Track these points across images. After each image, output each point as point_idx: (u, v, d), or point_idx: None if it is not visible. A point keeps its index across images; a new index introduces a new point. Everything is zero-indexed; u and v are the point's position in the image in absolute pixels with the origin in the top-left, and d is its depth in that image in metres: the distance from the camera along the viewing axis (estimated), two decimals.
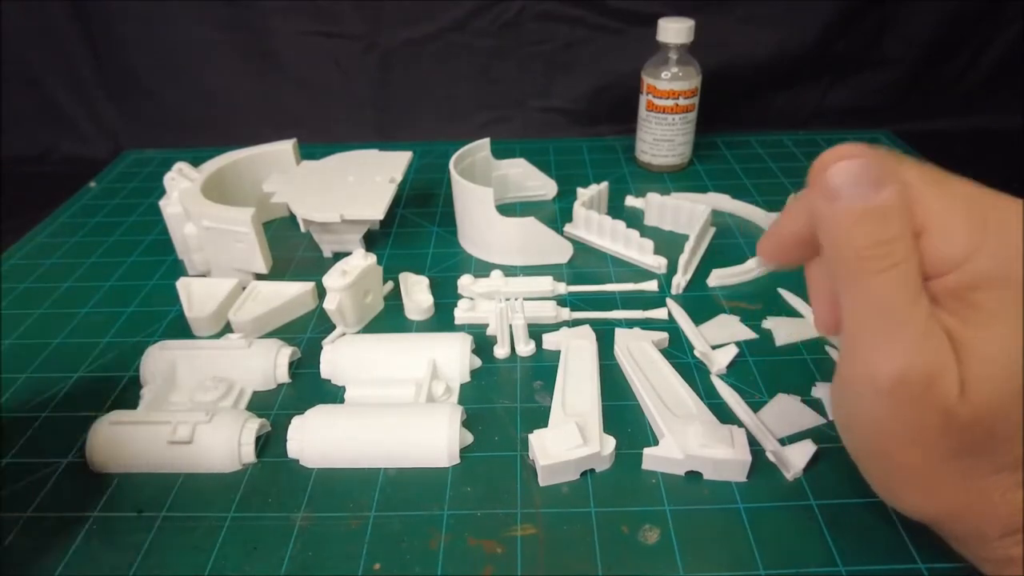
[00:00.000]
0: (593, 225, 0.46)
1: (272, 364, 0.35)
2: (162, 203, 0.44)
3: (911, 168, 0.21)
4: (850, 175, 0.19)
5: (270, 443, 0.32)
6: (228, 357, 0.35)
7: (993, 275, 0.19)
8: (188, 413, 0.31)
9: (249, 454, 0.30)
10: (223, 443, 0.30)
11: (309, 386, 0.35)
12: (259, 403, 0.34)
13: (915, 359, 0.19)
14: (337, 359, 0.35)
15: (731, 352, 0.35)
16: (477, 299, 0.40)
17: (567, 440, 0.29)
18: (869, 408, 0.20)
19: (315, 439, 0.30)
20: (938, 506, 0.21)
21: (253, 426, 0.31)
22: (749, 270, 0.42)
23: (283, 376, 0.35)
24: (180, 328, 0.39)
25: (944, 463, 0.20)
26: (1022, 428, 0.19)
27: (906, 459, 0.20)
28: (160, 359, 0.35)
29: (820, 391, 0.33)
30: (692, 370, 0.35)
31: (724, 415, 0.32)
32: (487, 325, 0.39)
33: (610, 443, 0.30)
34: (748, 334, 0.37)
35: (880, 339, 0.19)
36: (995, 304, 0.19)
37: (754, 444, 0.30)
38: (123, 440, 0.30)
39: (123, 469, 0.30)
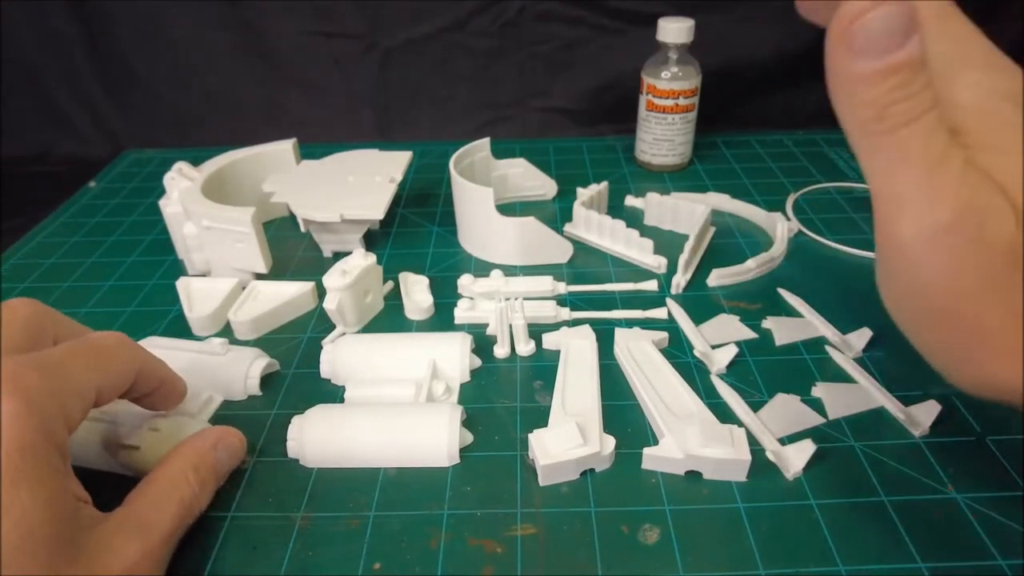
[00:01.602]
0: (593, 225, 0.46)
1: (243, 375, 0.34)
2: (162, 203, 0.44)
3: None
4: (881, 27, 0.17)
5: (270, 443, 0.32)
6: (205, 362, 0.35)
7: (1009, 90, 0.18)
8: (146, 419, 0.30)
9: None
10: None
11: (309, 386, 0.35)
12: (257, 403, 0.34)
13: (961, 198, 0.17)
14: (337, 359, 0.35)
15: (731, 352, 0.35)
16: (477, 299, 0.40)
17: (567, 440, 0.29)
18: (928, 268, 0.18)
19: (315, 439, 0.30)
20: None
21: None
22: (749, 270, 0.42)
23: (253, 388, 0.34)
24: (180, 328, 0.39)
25: None
26: None
27: (984, 316, 0.18)
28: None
29: (820, 391, 0.33)
30: (692, 370, 0.35)
31: (724, 415, 0.32)
32: (487, 325, 0.39)
33: (610, 443, 0.30)
34: (748, 334, 0.37)
35: (923, 190, 0.18)
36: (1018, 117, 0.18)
37: (754, 444, 0.30)
38: (80, 436, 0.30)
39: (82, 464, 0.30)
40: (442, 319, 0.40)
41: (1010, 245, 0.17)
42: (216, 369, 0.34)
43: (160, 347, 0.35)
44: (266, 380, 0.35)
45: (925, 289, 0.19)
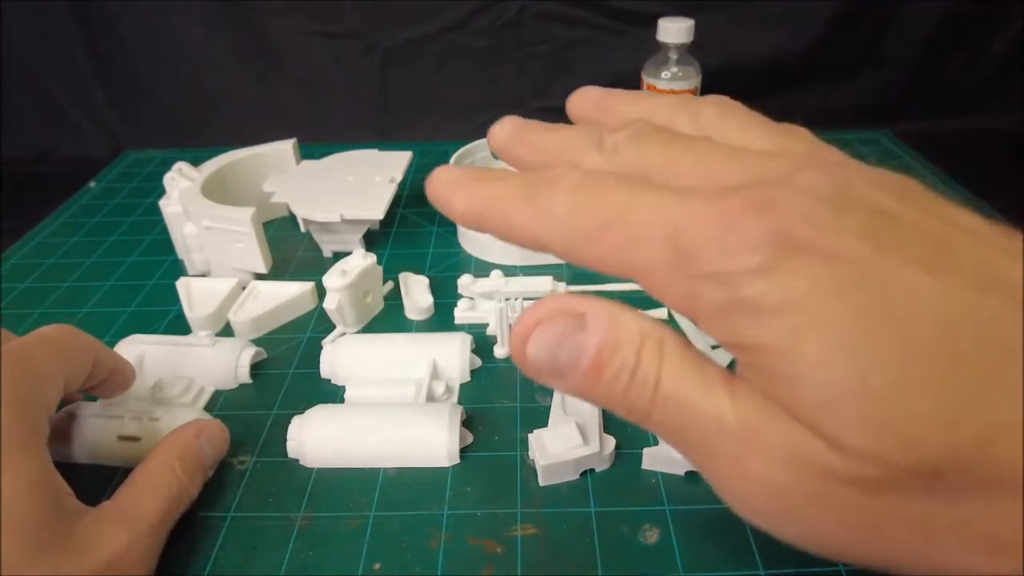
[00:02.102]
0: None
1: (234, 363, 0.35)
2: (162, 203, 0.44)
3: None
4: (544, 345, 0.16)
5: (270, 443, 0.32)
6: (192, 354, 0.35)
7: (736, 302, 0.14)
8: (142, 409, 0.31)
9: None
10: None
11: (308, 386, 0.35)
12: (257, 403, 0.34)
13: (756, 458, 0.14)
14: (337, 359, 0.35)
15: None
16: (477, 299, 0.40)
17: (567, 440, 0.29)
18: (790, 528, 0.16)
19: (315, 439, 0.30)
20: (969, 568, 0.14)
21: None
22: None
23: (244, 376, 0.35)
24: (180, 328, 0.39)
25: (929, 525, 0.14)
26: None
27: (885, 550, 0.15)
28: (129, 353, 0.35)
29: None
30: None
31: None
32: (487, 325, 0.39)
33: (610, 443, 0.30)
34: None
35: (717, 463, 0.15)
36: (765, 319, 0.14)
37: None
38: (77, 432, 0.30)
39: (75, 460, 0.30)
40: (442, 319, 0.40)
41: (835, 473, 0.14)
42: (205, 360, 0.35)
43: (146, 343, 0.35)
44: (263, 376, 0.35)
45: (806, 541, 0.16)
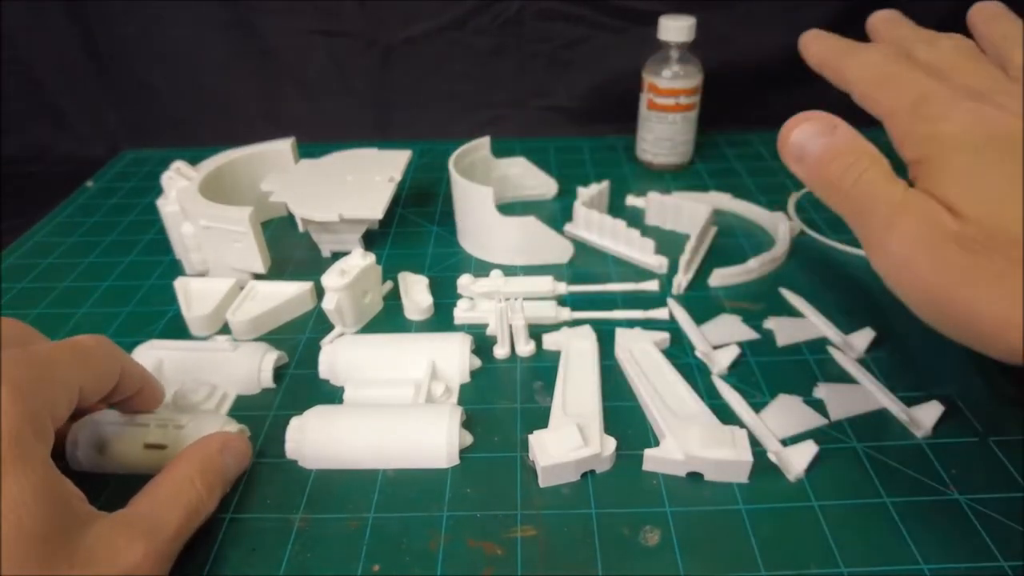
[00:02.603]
0: (593, 225, 0.46)
1: (256, 368, 0.34)
2: (160, 202, 0.44)
3: (871, 67, 0.27)
4: (806, 133, 0.25)
5: (269, 444, 0.32)
6: (214, 359, 0.35)
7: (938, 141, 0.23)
8: (167, 417, 0.31)
9: None
10: None
11: (307, 387, 0.35)
12: (257, 404, 0.34)
13: (905, 219, 0.22)
14: (336, 359, 0.35)
15: (732, 352, 0.35)
16: (477, 299, 0.40)
17: (567, 441, 0.29)
18: (904, 276, 0.23)
19: (314, 440, 0.30)
20: None
21: (232, 430, 0.30)
22: (751, 270, 0.42)
23: (267, 381, 0.34)
24: (178, 328, 0.39)
25: (1004, 279, 0.20)
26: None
27: (969, 299, 0.21)
28: (147, 358, 0.34)
29: (822, 392, 0.33)
30: (693, 370, 0.35)
31: (725, 416, 0.32)
32: (487, 325, 0.39)
33: (611, 444, 0.30)
34: (750, 334, 0.37)
35: (882, 224, 0.23)
36: (950, 148, 0.22)
37: (755, 445, 0.30)
38: (103, 441, 0.30)
39: (102, 469, 0.30)
40: (442, 319, 0.40)
41: (958, 236, 0.21)
42: (227, 365, 0.34)
43: (166, 348, 0.35)
44: (277, 374, 0.35)
45: (925, 299, 0.23)
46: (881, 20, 0.32)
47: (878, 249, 0.23)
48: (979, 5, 0.30)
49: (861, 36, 0.65)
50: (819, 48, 0.31)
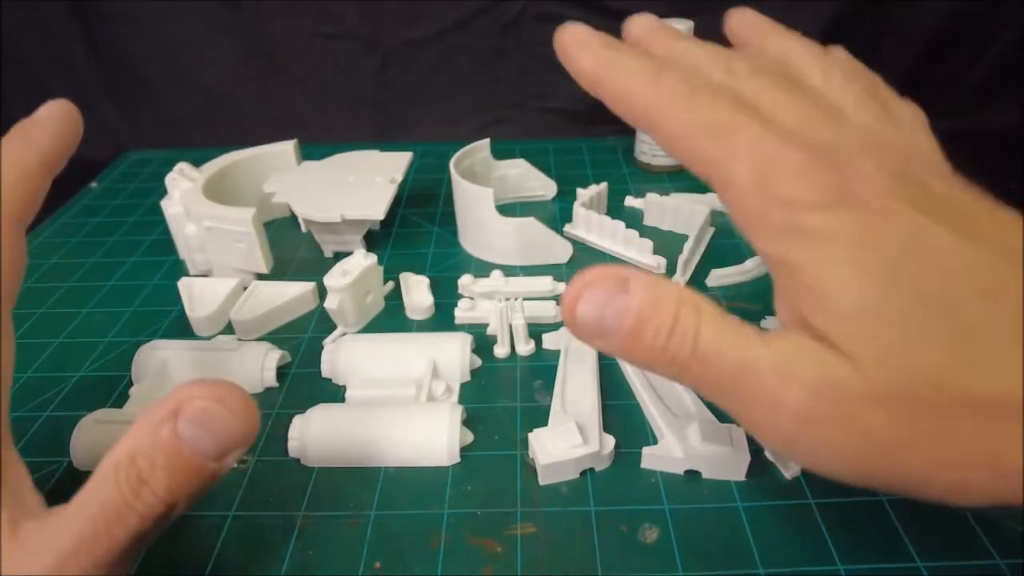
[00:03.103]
0: (593, 225, 0.46)
1: (259, 367, 0.35)
2: (163, 203, 0.44)
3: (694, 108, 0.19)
4: (594, 305, 0.19)
5: (271, 442, 0.32)
6: (217, 359, 0.35)
7: (793, 226, 0.17)
8: None
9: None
10: None
11: (309, 386, 0.35)
12: (259, 403, 0.34)
13: (790, 389, 0.17)
14: (338, 359, 0.35)
15: None
16: (477, 299, 0.40)
17: (567, 439, 0.29)
18: (816, 456, 0.18)
19: (316, 438, 0.30)
20: (988, 487, 0.16)
21: None
22: (748, 270, 0.42)
23: (270, 380, 0.35)
24: (181, 328, 0.39)
25: (940, 441, 0.16)
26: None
27: (905, 466, 0.17)
28: (151, 358, 0.35)
29: None
30: None
31: (723, 414, 0.32)
32: (487, 325, 0.39)
33: (610, 442, 0.30)
34: None
35: (756, 402, 0.17)
36: (817, 240, 0.17)
37: (753, 443, 0.30)
38: (106, 439, 0.30)
39: None
40: (442, 319, 0.40)
41: (864, 394, 0.16)
42: (230, 365, 0.35)
43: (170, 348, 0.35)
44: (279, 373, 0.35)
45: (844, 465, 0.17)
46: (641, 28, 0.25)
47: (770, 433, 0.18)
48: (737, 13, 0.24)
49: (860, 37, 0.65)
50: (593, 62, 0.23)
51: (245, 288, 0.41)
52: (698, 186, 0.54)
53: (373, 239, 0.48)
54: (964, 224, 0.16)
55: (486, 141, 0.50)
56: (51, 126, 0.24)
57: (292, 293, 0.40)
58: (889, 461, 0.17)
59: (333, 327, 0.39)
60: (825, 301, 0.17)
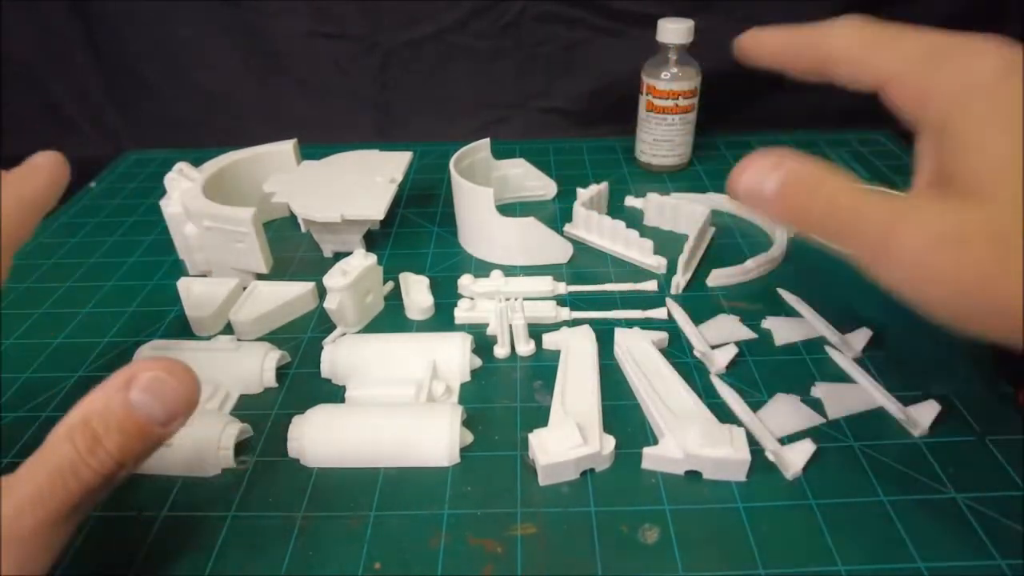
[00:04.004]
0: (593, 225, 0.46)
1: (259, 368, 0.35)
2: (163, 203, 0.44)
3: (868, 28, 0.25)
4: (755, 175, 0.23)
5: (271, 443, 0.32)
6: (217, 359, 0.35)
7: (959, 91, 0.21)
8: None
9: (228, 459, 0.30)
10: (203, 447, 0.30)
11: (309, 386, 0.35)
12: (258, 403, 0.34)
13: (913, 224, 0.20)
14: (337, 359, 0.35)
15: (730, 352, 0.35)
16: (477, 299, 0.40)
17: (567, 439, 0.29)
18: (924, 288, 0.21)
19: (315, 439, 0.30)
20: None
21: (233, 431, 0.31)
22: (748, 270, 0.42)
23: (270, 380, 0.35)
24: (181, 328, 0.39)
25: None
26: None
27: (1004, 294, 0.19)
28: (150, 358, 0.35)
29: (820, 391, 0.33)
30: (692, 370, 0.35)
31: (723, 415, 0.32)
32: (487, 325, 0.39)
33: (610, 442, 0.30)
34: (748, 334, 0.37)
35: (879, 235, 0.21)
36: (974, 113, 0.21)
37: (753, 444, 0.30)
38: None
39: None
40: (442, 319, 0.40)
41: (982, 226, 0.19)
42: (229, 365, 0.35)
43: (169, 348, 0.35)
44: (279, 374, 0.35)
45: (943, 292, 0.20)
46: None
47: (882, 262, 0.22)
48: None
49: None
50: (775, 37, 0.30)
51: (245, 288, 0.41)
52: (698, 186, 0.54)
53: (373, 239, 0.48)
54: None
55: (486, 141, 0.50)
56: (45, 170, 0.27)
57: (292, 293, 0.40)
58: (993, 293, 0.19)
59: (333, 327, 0.39)
60: (970, 151, 0.20)
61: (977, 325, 0.21)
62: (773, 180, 0.23)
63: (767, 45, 0.30)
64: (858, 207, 0.21)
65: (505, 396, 0.34)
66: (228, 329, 0.39)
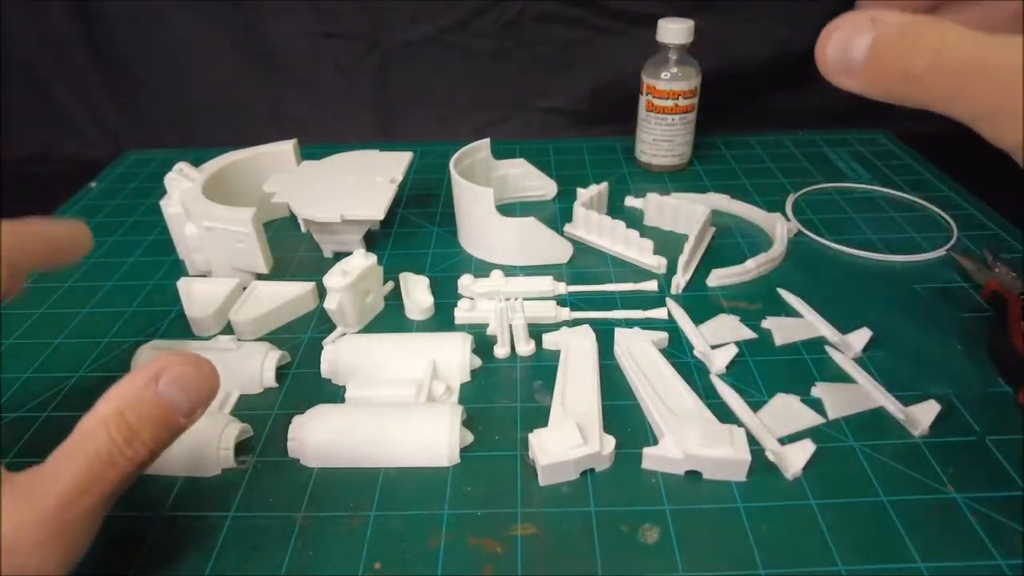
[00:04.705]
0: (593, 225, 0.46)
1: (259, 368, 0.35)
2: (163, 203, 0.44)
3: None
4: (843, 42, 0.20)
5: (271, 443, 0.32)
6: (217, 359, 0.35)
7: None
8: None
9: (228, 459, 0.30)
10: (203, 447, 0.30)
11: (309, 386, 0.35)
12: (258, 403, 0.34)
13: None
14: (337, 359, 0.35)
15: (730, 352, 0.35)
16: (477, 299, 0.40)
17: (567, 439, 0.29)
18: None
19: (315, 439, 0.30)
20: None
21: (233, 431, 0.31)
22: (748, 270, 0.42)
23: (270, 380, 0.35)
24: (181, 328, 0.39)
25: None
26: None
27: None
28: (150, 358, 0.35)
29: (819, 391, 0.33)
30: (692, 370, 0.35)
31: (723, 415, 0.32)
32: (487, 325, 0.39)
33: (610, 442, 0.30)
34: (747, 334, 0.37)
35: (1007, 87, 0.19)
36: None
37: (753, 444, 0.30)
38: None
39: None
40: (442, 319, 0.40)
41: None
42: (230, 365, 0.35)
43: (169, 349, 0.35)
44: (279, 374, 0.35)
45: None
46: None
47: (1011, 118, 0.19)
48: None
49: None
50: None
51: (245, 288, 0.41)
52: (698, 186, 0.54)
53: (373, 239, 0.48)
54: None
55: (486, 141, 0.50)
56: (72, 227, 0.28)
57: (292, 293, 0.40)
58: None
59: (333, 327, 0.39)
60: None
61: None
62: (864, 45, 0.19)
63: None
64: (972, 59, 0.19)
65: (505, 396, 0.34)
66: (228, 329, 0.39)
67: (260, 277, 0.42)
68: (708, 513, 0.28)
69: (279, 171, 0.48)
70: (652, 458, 0.29)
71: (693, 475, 0.29)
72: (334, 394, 0.35)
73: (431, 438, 0.30)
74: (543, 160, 0.58)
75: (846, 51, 0.20)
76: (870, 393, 0.33)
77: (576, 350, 0.36)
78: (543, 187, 0.53)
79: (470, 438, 0.31)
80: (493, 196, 0.43)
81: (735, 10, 0.61)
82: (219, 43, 0.64)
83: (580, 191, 0.49)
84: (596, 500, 0.28)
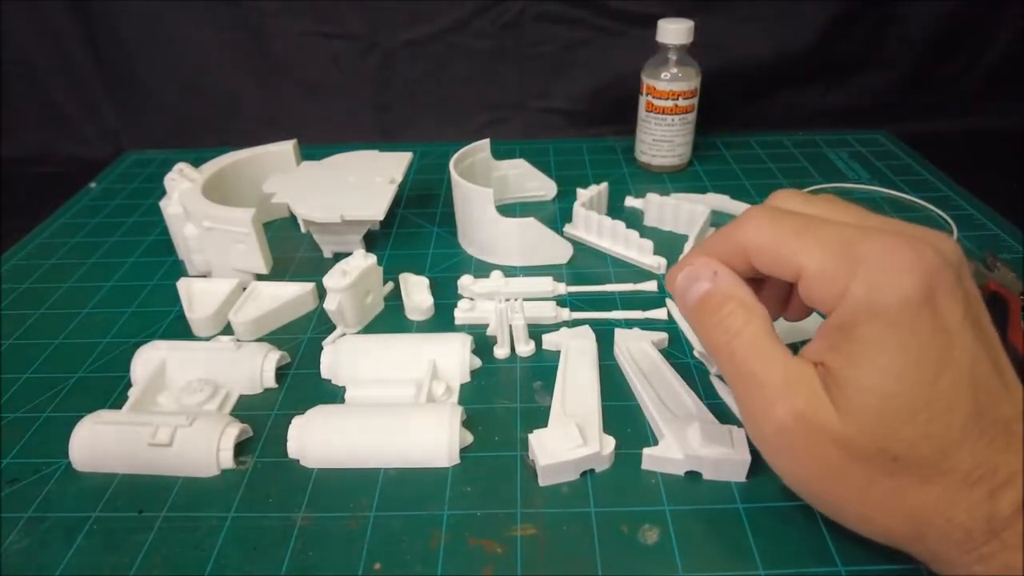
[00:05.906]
0: (593, 225, 0.46)
1: (259, 368, 0.35)
2: (162, 204, 0.44)
3: (778, 221, 0.23)
4: (689, 277, 0.25)
5: (271, 443, 0.32)
6: (216, 359, 0.35)
7: (865, 306, 0.21)
8: (171, 416, 0.31)
9: (228, 459, 0.30)
10: (202, 448, 0.30)
11: (309, 386, 0.35)
12: (258, 403, 0.34)
13: (783, 405, 0.22)
14: (337, 359, 0.35)
15: None
16: (477, 299, 0.40)
17: (567, 440, 0.29)
18: (777, 459, 0.24)
19: (315, 439, 0.30)
20: (888, 529, 0.22)
21: (233, 432, 0.31)
22: None
23: (269, 381, 0.35)
24: (181, 328, 0.39)
25: (870, 487, 0.21)
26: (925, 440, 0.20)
27: (834, 493, 0.23)
28: (150, 359, 0.35)
29: None
30: (691, 370, 0.35)
31: (723, 415, 0.32)
32: (487, 325, 0.39)
33: (610, 443, 0.30)
34: None
35: (759, 401, 0.23)
36: (872, 336, 0.21)
37: (753, 444, 0.30)
38: (105, 440, 0.30)
39: (104, 469, 0.30)
40: (442, 320, 0.40)
41: (837, 439, 0.21)
42: (230, 365, 0.35)
43: (169, 349, 0.35)
44: (279, 374, 0.35)
45: (786, 474, 0.24)
46: None
47: (753, 428, 0.23)
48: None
49: (860, 37, 0.65)
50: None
51: (244, 289, 0.41)
52: (698, 186, 0.54)
53: (373, 239, 0.48)
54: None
55: (486, 141, 0.50)
56: None
57: (291, 294, 0.40)
58: (828, 488, 0.23)
59: (333, 328, 0.39)
60: (857, 373, 0.21)
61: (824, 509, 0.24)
62: (698, 289, 0.24)
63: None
64: (751, 361, 0.23)
65: (505, 396, 0.34)
66: (228, 329, 0.39)
67: (260, 277, 0.42)
68: (708, 513, 0.28)
69: (279, 171, 0.48)
70: (652, 458, 0.29)
71: (693, 475, 0.29)
72: (334, 394, 0.35)
73: (431, 438, 0.30)
74: (543, 160, 0.58)
75: (686, 287, 0.25)
76: None
77: (576, 350, 0.36)
78: (543, 187, 0.53)
79: (470, 438, 0.31)
80: (493, 196, 0.43)
81: (735, 10, 0.61)
82: (219, 43, 0.64)
83: (580, 191, 0.49)
84: (596, 500, 0.28)
